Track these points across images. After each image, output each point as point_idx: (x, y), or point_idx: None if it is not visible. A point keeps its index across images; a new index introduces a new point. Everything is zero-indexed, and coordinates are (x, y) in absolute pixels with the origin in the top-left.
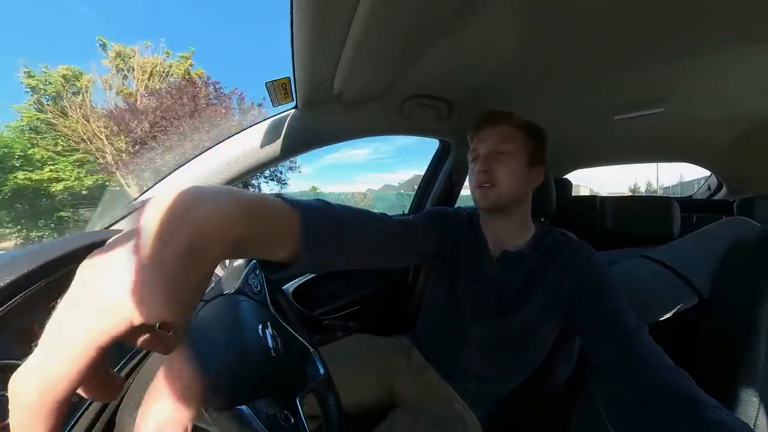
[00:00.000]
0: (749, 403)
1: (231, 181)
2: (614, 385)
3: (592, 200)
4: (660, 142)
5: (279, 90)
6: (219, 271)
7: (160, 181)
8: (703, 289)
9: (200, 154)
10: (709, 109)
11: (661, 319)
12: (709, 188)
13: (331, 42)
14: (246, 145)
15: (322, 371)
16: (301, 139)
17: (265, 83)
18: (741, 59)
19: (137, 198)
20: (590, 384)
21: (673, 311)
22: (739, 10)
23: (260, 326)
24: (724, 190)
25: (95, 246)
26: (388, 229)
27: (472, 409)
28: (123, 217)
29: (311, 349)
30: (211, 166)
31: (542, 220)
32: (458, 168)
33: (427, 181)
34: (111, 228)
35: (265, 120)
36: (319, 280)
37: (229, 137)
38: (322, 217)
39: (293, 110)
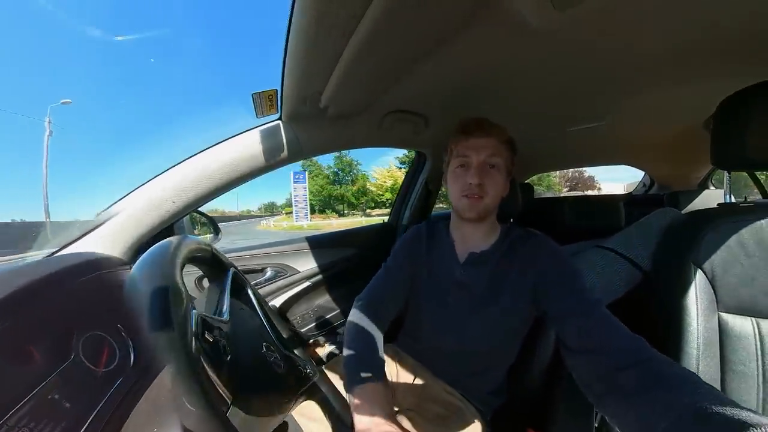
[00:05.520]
0: (689, 363)
1: (210, 194)
2: (583, 360)
3: (553, 201)
4: (603, 148)
5: (265, 101)
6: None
7: (133, 191)
8: (646, 267)
9: (176, 165)
10: (640, 122)
11: (616, 298)
12: (644, 185)
13: (325, 59)
14: (226, 157)
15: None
16: (283, 151)
17: (252, 94)
18: (664, 84)
19: (101, 213)
20: (566, 362)
21: (624, 289)
22: (659, 52)
23: (264, 344)
24: (655, 186)
25: (68, 271)
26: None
27: (471, 402)
28: (82, 235)
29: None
30: (189, 178)
31: (511, 221)
32: (434, 177)
33: (405, 190)
34: (70, 245)
35: (246, 132)
36: (304, 294)
37: (208, 148)
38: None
39: (277, 122)
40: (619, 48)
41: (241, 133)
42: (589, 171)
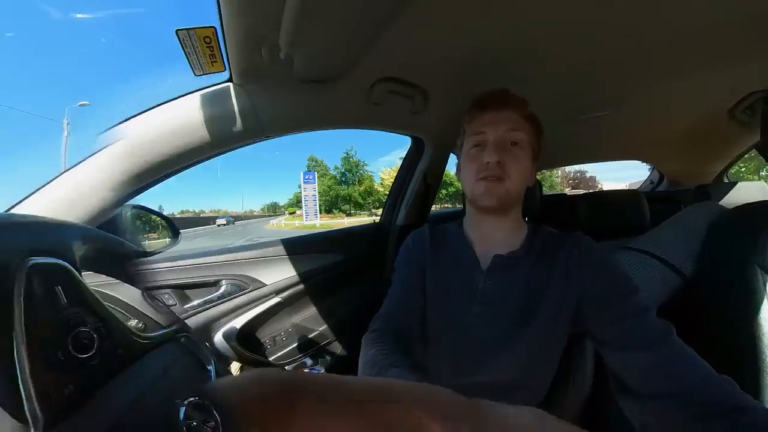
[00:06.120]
0: (761, 372)
1: (140, 176)
2: (651, 407)
3: (565, 198)
4: (615, 142)
5: (201, 47)
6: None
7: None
8: (687, 271)
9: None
10: (660, 111)
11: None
12: (651, 182)
13: None
14: (160, 128)
15: None
16: (236, 128)
17: (176, 31)
18: (691, 66)
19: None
20: (622, 405)
21: (660, 298)
22: (688, 29)
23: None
24: (664, 183)
25: None
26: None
27: None
28: None
29: None
30: (112, 155)
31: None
32: (434, 168)
33: (399, 185)
34: None
35: (181, 97)
36: (275, 311)
37: (136, 115)
38: None
39: (226, 84)
40: (645, 23)
41: (175, 98)
42: (589, 172)
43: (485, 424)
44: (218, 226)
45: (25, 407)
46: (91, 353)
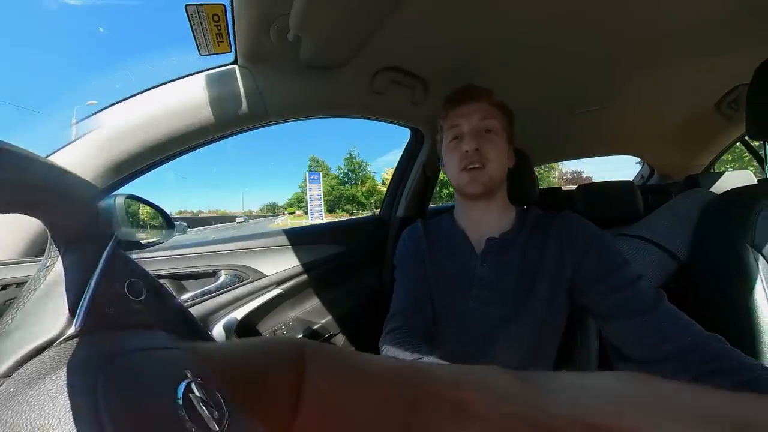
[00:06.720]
0: (757, 350)
1: (125, 164)
2: (651, 371)
3: (560, 191)
4: (608, 137)
5: (209, 24)
6: None
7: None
8: (682, 255)
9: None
10: (651, 105)
11: None
12: (642, 176)
13: None
14: (163, 108)
15: None
16: (241, 110)
17: (186, 6)
18: (667, 70)
19: None
20: None
21: (656, 281)
22: (680, 23)
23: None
24: (655, 176)
25: None
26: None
27: None
28: None
29: None
30: (110, 133)
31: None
32: (433, 161)
33: (399, 177)
34: None
35: (184, 77)
36: (275, 304)
37: (125, 99)
38: None
39: (231, 66)
40: (635, 19)
41: (177, 78)
42: (586, 172)
43: (550, 396)
44: (237, 223)
45: (79, 309)
46: (137, 299)
